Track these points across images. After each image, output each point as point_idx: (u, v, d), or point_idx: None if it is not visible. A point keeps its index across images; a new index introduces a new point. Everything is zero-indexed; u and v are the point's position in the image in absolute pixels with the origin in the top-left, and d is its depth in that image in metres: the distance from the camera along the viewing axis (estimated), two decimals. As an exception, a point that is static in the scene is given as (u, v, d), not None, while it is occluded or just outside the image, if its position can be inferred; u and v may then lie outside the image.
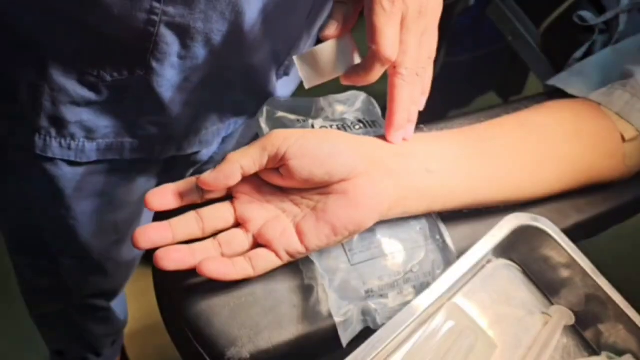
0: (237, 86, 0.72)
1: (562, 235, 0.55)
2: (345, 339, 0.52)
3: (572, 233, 0.61)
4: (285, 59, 0.72)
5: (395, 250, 0.56)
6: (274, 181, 0.54)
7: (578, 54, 0.96)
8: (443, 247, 0.57)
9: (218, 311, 0.53)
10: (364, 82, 0.55)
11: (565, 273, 0.55)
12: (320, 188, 0.53)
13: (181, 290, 0.55)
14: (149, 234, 0.51)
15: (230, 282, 0.52)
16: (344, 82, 0.56)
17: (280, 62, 0.72)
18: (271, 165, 0.53)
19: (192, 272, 0.52)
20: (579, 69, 0.78)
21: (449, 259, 0.57)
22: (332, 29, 0.54)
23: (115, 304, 1.14)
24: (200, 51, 0.62)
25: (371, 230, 0.56)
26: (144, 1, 0.55)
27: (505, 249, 0.57)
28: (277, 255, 0.52)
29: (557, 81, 0.75)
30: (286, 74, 0.75)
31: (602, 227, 0.73)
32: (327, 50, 0.55)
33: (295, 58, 0.56)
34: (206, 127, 0.75)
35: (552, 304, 0.57)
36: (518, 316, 0.56)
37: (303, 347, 0.54)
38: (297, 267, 0.56)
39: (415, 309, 0.50)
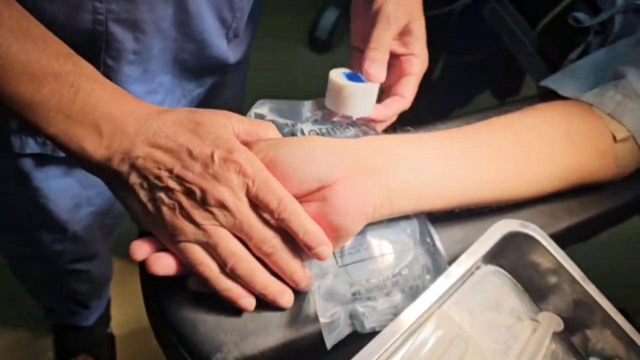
0: (192, 62, 0.74)
1: (551, 241, 0.54)
2: (329, 341, 0.51)
3: (565, 236, 0.62)
4: (231, 21, 0.73)
5: (385, 252, 0.56)
6: None
7: (573, 55, 0.96)
8: (433, 250, 0.57)
9: (204, 316, 0.53)
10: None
11: (553, 279, 0.55)
12: (299, 197, 0.52)
13: (168, 296, 0.54)
14: (145, 246, 0.52)
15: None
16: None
17: (228, 25, 0.73)
18: None
19: (179, 278, 0.53)
20: (572, 70, 0.77)
21: (438, 262, 0.56)
22: (380, 72, 0.61)
23: (96, 265, 1.17)
24: (152, 40, 0.64)
25: (361, 231, 0.55)
26: (86, 3, 0.56)
27: (494, 256, 0.56)
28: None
29: (550, 82, 0.75)
30: (236, 35, 0.76)
31: (595, 230, 0.72)
32: (367, 90, 0.62)
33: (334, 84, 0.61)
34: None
35: (540, 310, 0.57)
36: (507, 323, 0.55)
37: (289, 352, 0.53)
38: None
39: (405, 320, 0.49)
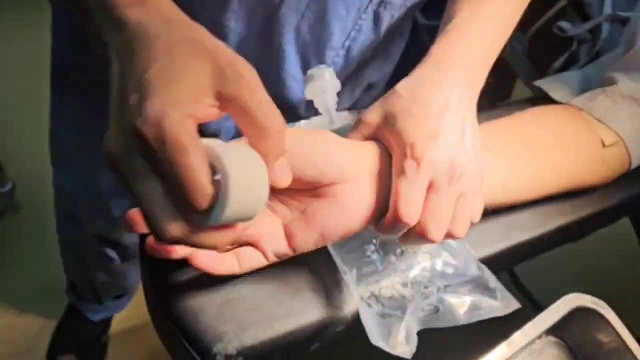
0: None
1: (621, 322, 0.53)
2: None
3: (556, 236, 0.65)
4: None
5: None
6: None
7: (556, 64, 0.98)
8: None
9: (205, 307, 0.53)
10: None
11: (617, 363, 0.54)
12: (310, 190, 0.52)
13: (168, 287, 0.54)
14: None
15: (217, 278, 0.52)
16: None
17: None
18: None
19: (180, 268, 0.54)
20: (562, 78, 0.77)
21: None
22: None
23: (125, 266, 1.25)
24: None
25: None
26: None
27: (557, 327, 0.55)
28: (264, 255, 0.52)
29: (543, 83, 0.75)
30: None
31: (586, 230, 0.73)
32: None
33: None
34: None
35: (598, 390, 0.57)
36: (561, 396, 0.55)
37: (289, 344, 0.54)
38: (284, 265, 0.55)
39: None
